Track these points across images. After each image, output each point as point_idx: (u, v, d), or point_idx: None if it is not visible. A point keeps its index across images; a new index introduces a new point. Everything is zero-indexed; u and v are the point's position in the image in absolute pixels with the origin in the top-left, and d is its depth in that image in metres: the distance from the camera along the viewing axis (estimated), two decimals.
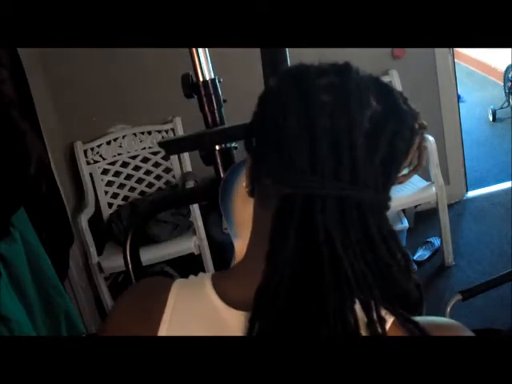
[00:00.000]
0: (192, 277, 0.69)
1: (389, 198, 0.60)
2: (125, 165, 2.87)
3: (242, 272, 0.66)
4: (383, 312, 0.58)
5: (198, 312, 0.64)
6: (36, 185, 2.05)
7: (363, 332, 0.56)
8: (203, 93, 1.25)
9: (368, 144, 0.57)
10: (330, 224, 0.55)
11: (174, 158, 2.84)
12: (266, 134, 0.61)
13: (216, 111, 1.26)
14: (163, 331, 0.62)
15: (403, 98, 0.61)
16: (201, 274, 0.69)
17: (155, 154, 2.87)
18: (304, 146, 0.57)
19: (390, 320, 0.59)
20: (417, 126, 0.61)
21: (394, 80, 2.87)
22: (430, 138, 2.67)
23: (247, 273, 0.64)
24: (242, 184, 0.79)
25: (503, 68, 4.40)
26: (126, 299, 0.70)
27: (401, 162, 0.61)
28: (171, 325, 0.63)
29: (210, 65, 1.26)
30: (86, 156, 2.79)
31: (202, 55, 1.25)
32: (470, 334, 0.61)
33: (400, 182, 0.62)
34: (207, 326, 0.62)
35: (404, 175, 0.63)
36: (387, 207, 0.60)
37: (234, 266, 0.71)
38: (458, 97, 3.34)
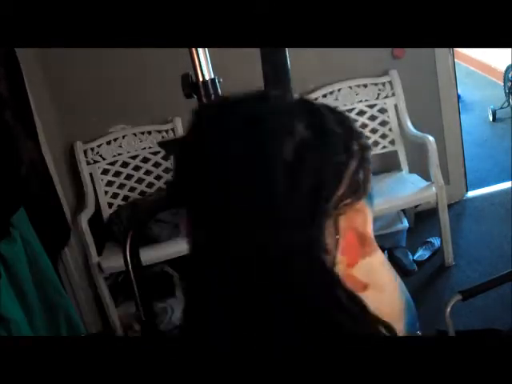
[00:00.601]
0: None
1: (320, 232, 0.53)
2: (125, 165, 2.87)
3: None
4: None
5: None
6: (28, 185, 2.05)
7: None
8: (203, 93, 1.25)
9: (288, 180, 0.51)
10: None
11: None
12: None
13: None
14: None
15: (339, 119, 0.55)
16: None
17: (155, 154, 2.87)
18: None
19: None
20: (355, 147, 0.55)
21: (394, 80, 2.86)
22: (430, 138, 2.67)
23: None
24: None
25: (503, 68, 4.39)
26: None
27: (330, 189, 0.53)
28: None
29: (210, 65, 1.26)
30: (85, 156, 2.79)
31: (202, 55, 1.25)
32: None
33: (340, 214, 0.55)
34: None
35: (345, 204, 0.55)
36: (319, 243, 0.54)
37: None
38: (458, 97, 3.34)
